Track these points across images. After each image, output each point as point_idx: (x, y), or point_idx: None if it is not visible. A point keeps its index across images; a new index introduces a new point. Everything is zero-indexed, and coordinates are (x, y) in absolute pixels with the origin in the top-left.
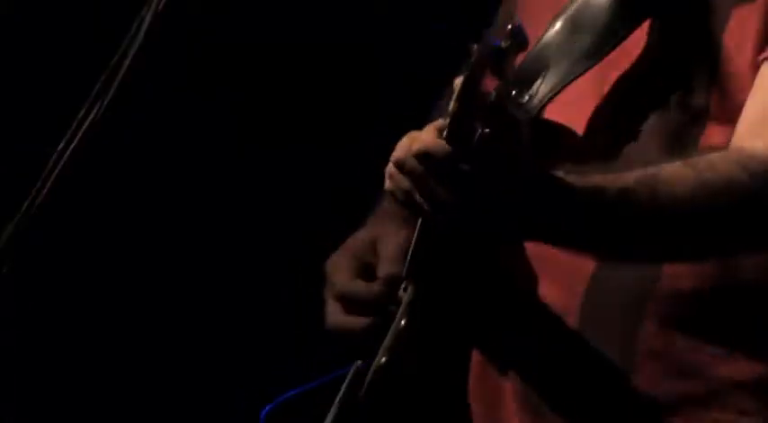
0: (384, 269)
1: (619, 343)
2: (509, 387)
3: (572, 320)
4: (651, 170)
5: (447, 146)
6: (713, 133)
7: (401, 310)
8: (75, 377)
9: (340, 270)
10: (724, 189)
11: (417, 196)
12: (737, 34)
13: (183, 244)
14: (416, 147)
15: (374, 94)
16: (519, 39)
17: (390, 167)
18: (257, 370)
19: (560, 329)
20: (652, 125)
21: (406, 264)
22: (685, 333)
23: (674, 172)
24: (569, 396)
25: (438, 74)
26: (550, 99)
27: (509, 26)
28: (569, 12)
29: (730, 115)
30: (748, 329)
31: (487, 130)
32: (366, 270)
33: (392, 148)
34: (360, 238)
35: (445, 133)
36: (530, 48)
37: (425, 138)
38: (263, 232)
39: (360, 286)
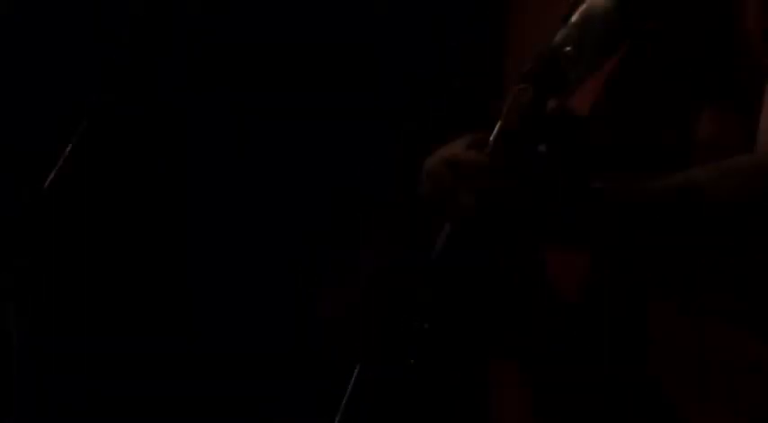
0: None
1: (623, 333)
2: (511, 378)
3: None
4: (682, 174)
5: (477, 155)
6: (711, 122)
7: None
8: (74, 378)
9: (450, 147)
10: (755, 172)
11: (447, 204)
12: (736, 22)
13: (183, 244)
14: (447, 156)
15: (374, 94)
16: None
17: (423, 175)
18: (257, 371)
19: (565, 318)
20: (650, 113)
21: (435, 251)
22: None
23: (707, 173)
24: (571, 394)
25: (438, 74)
26: (567, 96)
27: (568, 48)
28: (578, 11)
29: (729, 104)
30: (752, 312)
31: (546, 148)
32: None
33: (392, 148)
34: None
35: (492, 143)
36: (542, 50)
37: (456, 149)
38: (264, 232)
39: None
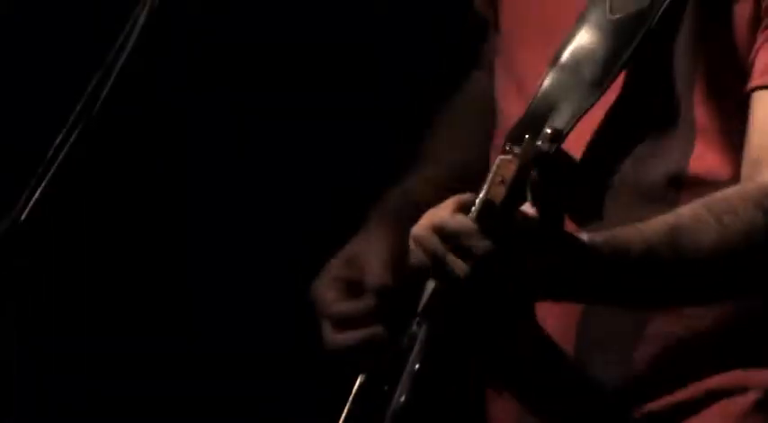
0: (370, 281)
1: (615, 359)
2: (505, 406)
3: (570, 335)
4: (672, 220)
5: (464, 220)
6: (702, 151)
7: (416, 350)
8: (74, 378)
9: (325, 292)
10: (745, 237)
11: (436, 270)
12: (725, 50)
13: (183, 244)
14: (435, 222)
15: (374, 94)
16: (559, 141)
17: (411, 242)
18: (257, 371)
19: (558, 349)
20: (642, 145)
21: (422, 305)
22: (680, 349)
23: (696, 221)
24: (563, 412)
25: (438, 74)
26: (565, 136)
27: (551, 130)
28: (564, 52)
29: (719, 133)
30: (739, 341)
31: (531, 213)
32: (351, 287)
33: (392, 148)
34: (340, 256)
35: (475, 213)
36: (534, 93)
37: (443, 213)
38: (264, 233)
39: (346, 305)
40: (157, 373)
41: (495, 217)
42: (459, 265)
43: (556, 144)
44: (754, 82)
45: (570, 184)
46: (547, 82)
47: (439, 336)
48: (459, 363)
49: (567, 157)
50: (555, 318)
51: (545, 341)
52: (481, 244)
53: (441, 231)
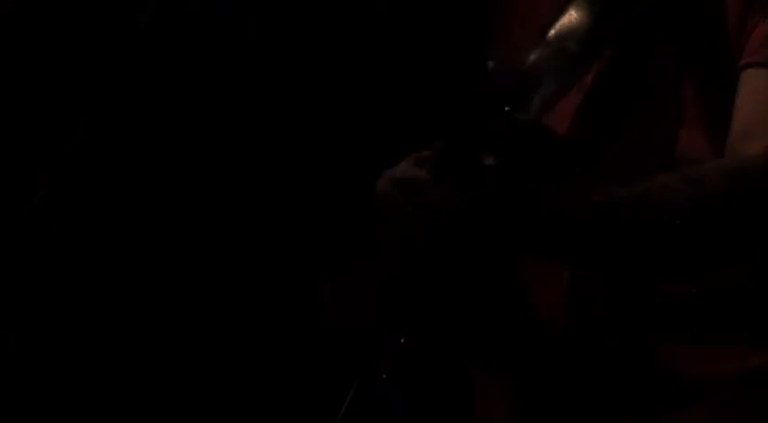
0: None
1: (606, 346)
2: (495, 388)
3: (557, 322)
4: (644, 185)
5: (418, 171)
6: (689, 134)
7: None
8: (74, 379)
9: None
10: (715, 206)
11: (399, 220)
12: (713, 32)
13: (184, 244)
14: (394, 175)
15: (374, 94)
16: (506, 84)
17: (376, 197)
18: (257, 372)
19: (547, 335)
20: (629, 127)
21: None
22: (670, 334)
23: (666, 187)
24: (556, 399)
25: (438, 74)
26: (545, 112)
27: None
28: (552, 29)
29: (705, 116)
30: (729, 327)
31: (498, 161)
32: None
33: (391, 149)
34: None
35: (431, 164)
36: (520, 68)
37: (404, 166)
38: (264, 233)
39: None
40: (157, 372)
41: (443, 158)
42: (417, 215)
43: (493, 82)
44: (744, 59)
45: (551, 158)
46: (533, 57)
47: (429, 312)
48: (447, 340)
49: (545, 130)
50: (544, 297)
51: (536, 322)
52: (434, 192)
53: (399, 183)
